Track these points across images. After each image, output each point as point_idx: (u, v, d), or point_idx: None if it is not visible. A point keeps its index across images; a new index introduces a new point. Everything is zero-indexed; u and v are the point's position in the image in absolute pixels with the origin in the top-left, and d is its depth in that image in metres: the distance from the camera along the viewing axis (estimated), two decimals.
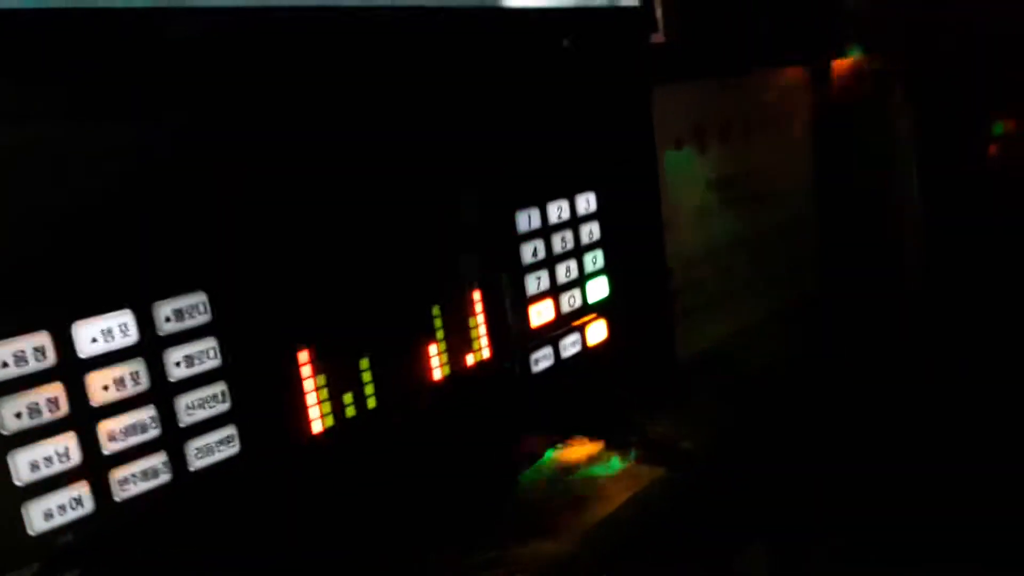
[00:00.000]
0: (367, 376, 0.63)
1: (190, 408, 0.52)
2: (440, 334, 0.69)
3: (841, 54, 1.21)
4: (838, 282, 1.23)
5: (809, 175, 1.21)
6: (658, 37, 1.09)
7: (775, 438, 0.94)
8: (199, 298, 0.52)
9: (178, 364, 0.52)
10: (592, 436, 0.82)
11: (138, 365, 0.50)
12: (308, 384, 0.60)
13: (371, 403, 0.64)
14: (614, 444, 0.80)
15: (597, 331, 0.84)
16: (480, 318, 0.72)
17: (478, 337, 0.72)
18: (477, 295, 0.72)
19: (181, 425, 0.52)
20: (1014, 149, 1.22)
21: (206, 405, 0.53)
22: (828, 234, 1.24)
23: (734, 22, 1.21)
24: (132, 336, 0.49)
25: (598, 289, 0.84)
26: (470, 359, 0.71)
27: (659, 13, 1.09)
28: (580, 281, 0.82)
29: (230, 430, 0.55)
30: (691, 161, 1.00)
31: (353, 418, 0.62)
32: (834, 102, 1.21)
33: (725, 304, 1.07)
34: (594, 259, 0.84)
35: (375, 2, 0.64)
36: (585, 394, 0.84)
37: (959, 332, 1.18)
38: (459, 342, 0.70)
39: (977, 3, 1.16)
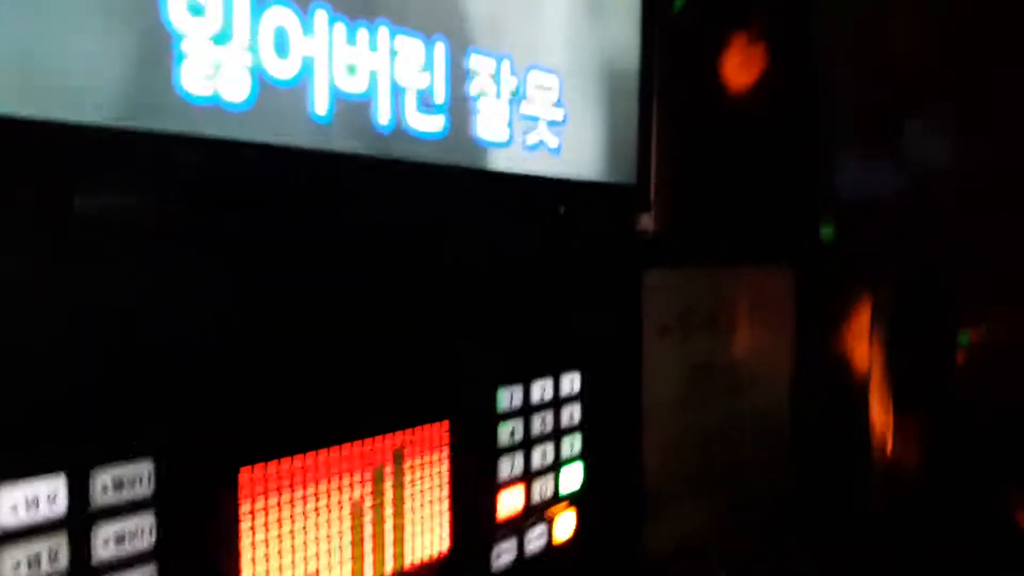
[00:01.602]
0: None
1: None
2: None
3: (828, 255, 1.23)
4: (809, 479, 1.20)
5: (787, 368, 1.20)
6: (648, 223, 1.10)
7: None
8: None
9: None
10: None
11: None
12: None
13: None
14: None
15: (566, 523, 0.78)
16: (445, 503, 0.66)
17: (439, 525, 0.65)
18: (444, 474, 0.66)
19: None
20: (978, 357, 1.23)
21: None
22: (800, 428, 1.22)
23: (723, 216, 1.24)
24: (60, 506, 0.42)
25: (572, 477, 0.79)
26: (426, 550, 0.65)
27: (652, 195, 1.11)
28: (555, 467, 0.77)
29: None
30: (674, 347, 0.97)
31: None
32: (816, 301, 1.22)
33: (698, 496, 1.02)
34: (572, 444, 0.79)
35: (383, 154, 0.64)
36: None
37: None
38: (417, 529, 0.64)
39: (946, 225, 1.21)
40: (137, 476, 0.45)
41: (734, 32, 1.24)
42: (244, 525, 0.52)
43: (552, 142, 0.82)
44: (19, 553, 0.41)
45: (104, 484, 0.44)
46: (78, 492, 0.43)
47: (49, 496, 0.42)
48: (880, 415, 1.22)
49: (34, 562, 0.41)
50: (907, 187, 1.26)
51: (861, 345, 1.23)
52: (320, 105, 0.61)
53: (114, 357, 0.46)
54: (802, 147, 1.29)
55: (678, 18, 1.16)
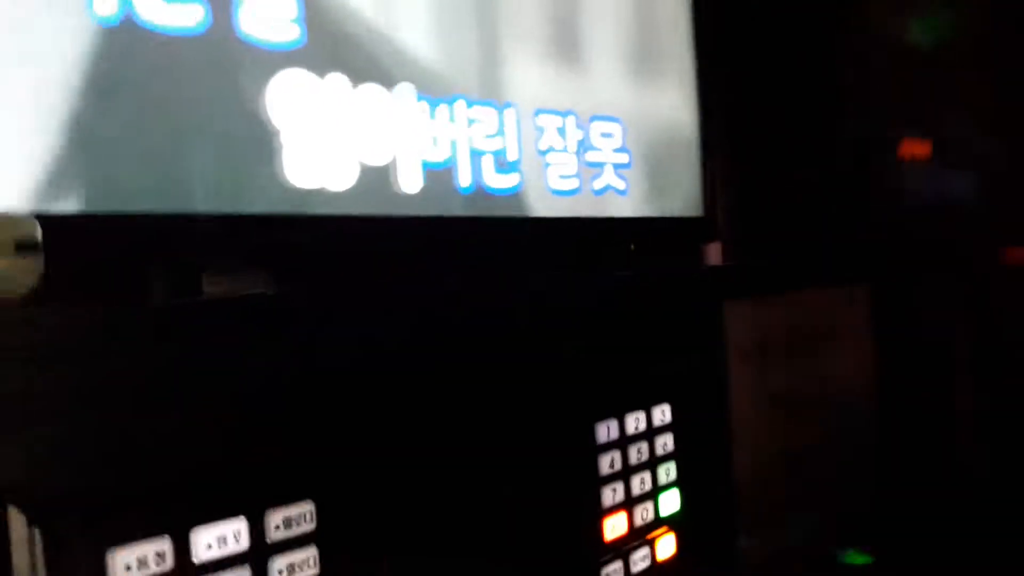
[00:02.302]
0: None
1: None
2: None
3: (903, 268, 1.24)
4: (898, 492, 1.20)
5: (871, 385, 1.21)
6: (718, 254, 1.13)
7: None
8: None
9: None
10: None
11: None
12: None
13: None
14: None
15: (667, 545, 0.82)
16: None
17: None
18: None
19: None
20: None
21: None
22: (888, 443, 1.22)
23: (795, 241, 1.27)
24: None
25: (670, 502, 0.83)
26: None
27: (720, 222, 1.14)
28: (653, 493, 0.81)
29: None
30: (757, 372, 1.00)
31: None
32: (896, 314, 1.23)
33: (789, 515, 1.04)
34: (667, 471, 0.82)
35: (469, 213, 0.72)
36: None
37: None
38: None
39: None
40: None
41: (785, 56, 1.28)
42: None
43: (619, 184, 0.87)
44: None
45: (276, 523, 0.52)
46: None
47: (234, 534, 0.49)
48: (967, 419, 1.22)
49: None
50: (971, 188, 1.27)
51: (944, 351, 1.23)
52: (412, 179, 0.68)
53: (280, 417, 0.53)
54: (859, 160, 1.31)
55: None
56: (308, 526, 0.53)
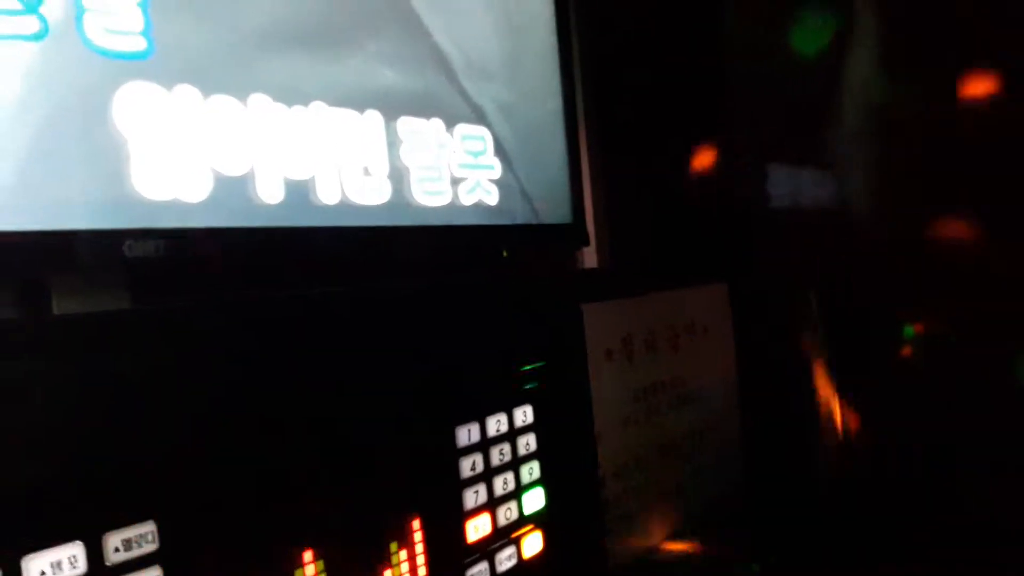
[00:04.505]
0: None
1: None
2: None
3: (758, 267, 1.31)
4: (760, 483, 1.27)
5: (731, 379, 1.28)
6: (592, 259, 1.18)
7: None
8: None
9: None
10: None
11: None
12: None
13: None
14: None
15: (533, 543, 0.85)
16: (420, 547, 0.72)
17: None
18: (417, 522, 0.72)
19: None
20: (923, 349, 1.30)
21: None
22: (749, 436, 1.29)
23: (658, 239, 1.32)
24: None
25: (534, 500, 0.85)
26: None
27: (591, 230, 1.19)
28: (517, 493, 0.83)
29: None
30: (620, 370, 1.04)
31: None
32: (752, 311, 1.29)
33: (657, 509, 1.09)
34: (531, 471, 0.85)
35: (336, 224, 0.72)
36: None
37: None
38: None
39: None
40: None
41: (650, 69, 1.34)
42: None
43: (489, 192, 0.89)
44: None
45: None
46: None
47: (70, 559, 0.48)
48: (825, 409, 1.30)
49: None
50: (829, 195, 1.35)
51: (801, 348, 1.31)
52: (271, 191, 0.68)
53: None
54: (722, 163, 1.38)
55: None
56: (150, 547, 0.52)
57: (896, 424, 1.27)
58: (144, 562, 0.52)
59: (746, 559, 1.10)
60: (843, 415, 1.31)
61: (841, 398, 1.31)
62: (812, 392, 1.29)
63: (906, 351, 1.30)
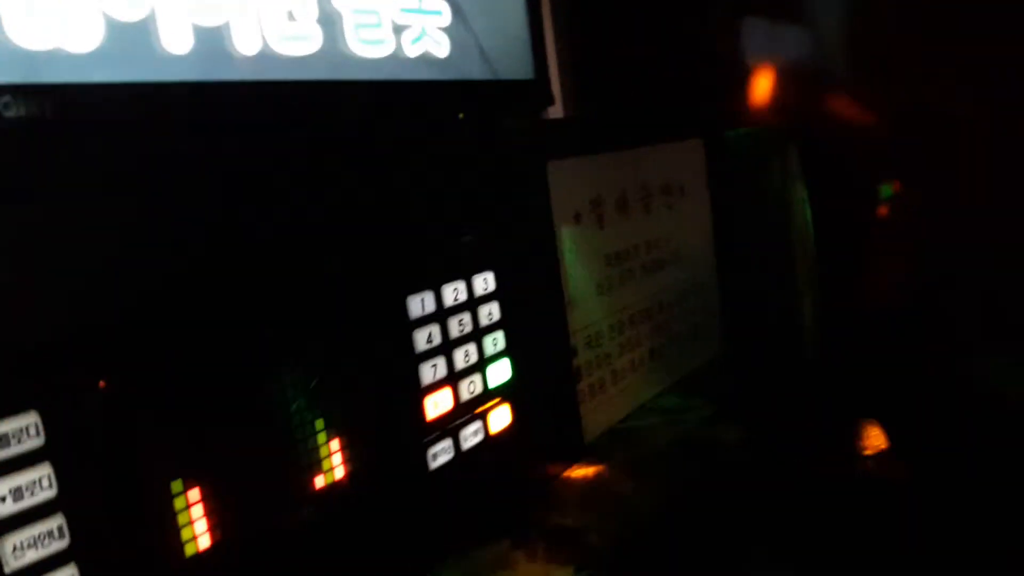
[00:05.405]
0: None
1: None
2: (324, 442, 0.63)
3: (735, 124, 1.23)
4: (740, 345, 1.24)
5: (707, 241, 1.22)
6: (555, 111, 1.09)
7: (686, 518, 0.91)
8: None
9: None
10: (497, 535, 0.77)
11: None
12: (179, 502, 0.53)
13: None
14: (520, 543, 0.75)
15: (500, 417, 0.80)
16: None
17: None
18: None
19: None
20: (900, 209, 1.26)
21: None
22: (728, 298, 1.25)
23: (629, 97, 1.23)
24: None
25: (500, 372, 0.80)
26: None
27: (556, 87, 1.09)
28: (480, 365, 0.78)
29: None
30: (589, 234, 0.98)
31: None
32: (729, 169, 1.23)
33: (631, 377, 1.05)
34: (495, 341, 0.80)
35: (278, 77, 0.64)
36: (489, 487, 0.79)
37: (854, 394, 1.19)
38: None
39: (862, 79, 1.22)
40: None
41: None
42: None
43: (438, 43, 0.80)
44: None
45: None
46: None
47: None
48: (804, 269, 1.25)
49: None
50: (808, 51, 1.27)
51: (781, 205, 1.25)
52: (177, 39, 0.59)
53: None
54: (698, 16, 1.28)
55: None
56: (34, 441, 0.46)
57: (878, 283, 1.24)
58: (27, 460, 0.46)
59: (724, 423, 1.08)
60: (823, 275, 1.27)
61: (821, 258, 1.27)
62: (792, 253, 1.24)
63: (883, 210, 1.26)
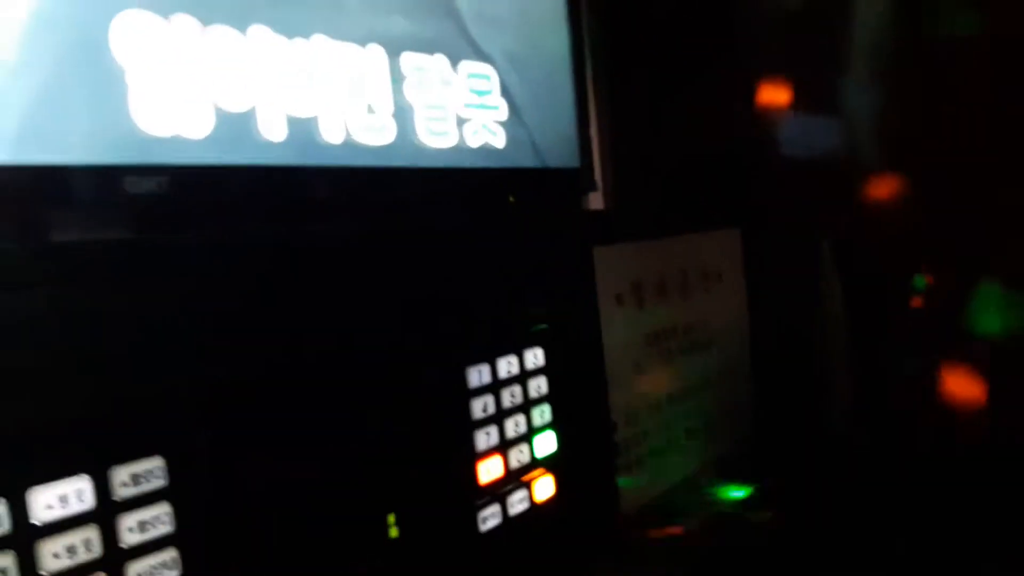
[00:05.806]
0: None
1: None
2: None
3: (769, 216, 1.29)
4: (772, 427, 1.26)
5: (743, 326, 1.27)
6: (597, 202, 1.15)
7: None
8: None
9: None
10: None
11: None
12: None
13: None
14: None
15: (545, 486, 0.84)
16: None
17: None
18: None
19: None
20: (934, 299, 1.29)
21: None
22: (761, 381, 1.28)
23: (669, 188, 1.30)
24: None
25: (546, 444, 0.85)
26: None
27: (598, 175, 1.16)
28: (528, 436, 0.83)
29: None
30: (630, 315, 1.03)
31: None
32: (764, 259, 1.28)
33: (668, 455, 1.08)
34: (542, 414, 0.84)
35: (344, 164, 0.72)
36: (533, 552, 0.82)
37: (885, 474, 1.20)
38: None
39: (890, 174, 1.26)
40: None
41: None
42: None
43: (495, 134, 0.87)
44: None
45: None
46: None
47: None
48: (838, 358, 1.29)
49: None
50: (842, 144, 1.32)
51: (814, 296, 1.29)
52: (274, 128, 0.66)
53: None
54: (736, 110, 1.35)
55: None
56: (158, 482, 0.52)
57: (909, 373, 1.27)
58: (152, 498, 0.51)
59: (756, 506, 1.10)
60: (856, 365, 1.30)
61: (854, 347, 1.30)
62: (825, 341, 1.28)
63: (917, 301, 1.29)
